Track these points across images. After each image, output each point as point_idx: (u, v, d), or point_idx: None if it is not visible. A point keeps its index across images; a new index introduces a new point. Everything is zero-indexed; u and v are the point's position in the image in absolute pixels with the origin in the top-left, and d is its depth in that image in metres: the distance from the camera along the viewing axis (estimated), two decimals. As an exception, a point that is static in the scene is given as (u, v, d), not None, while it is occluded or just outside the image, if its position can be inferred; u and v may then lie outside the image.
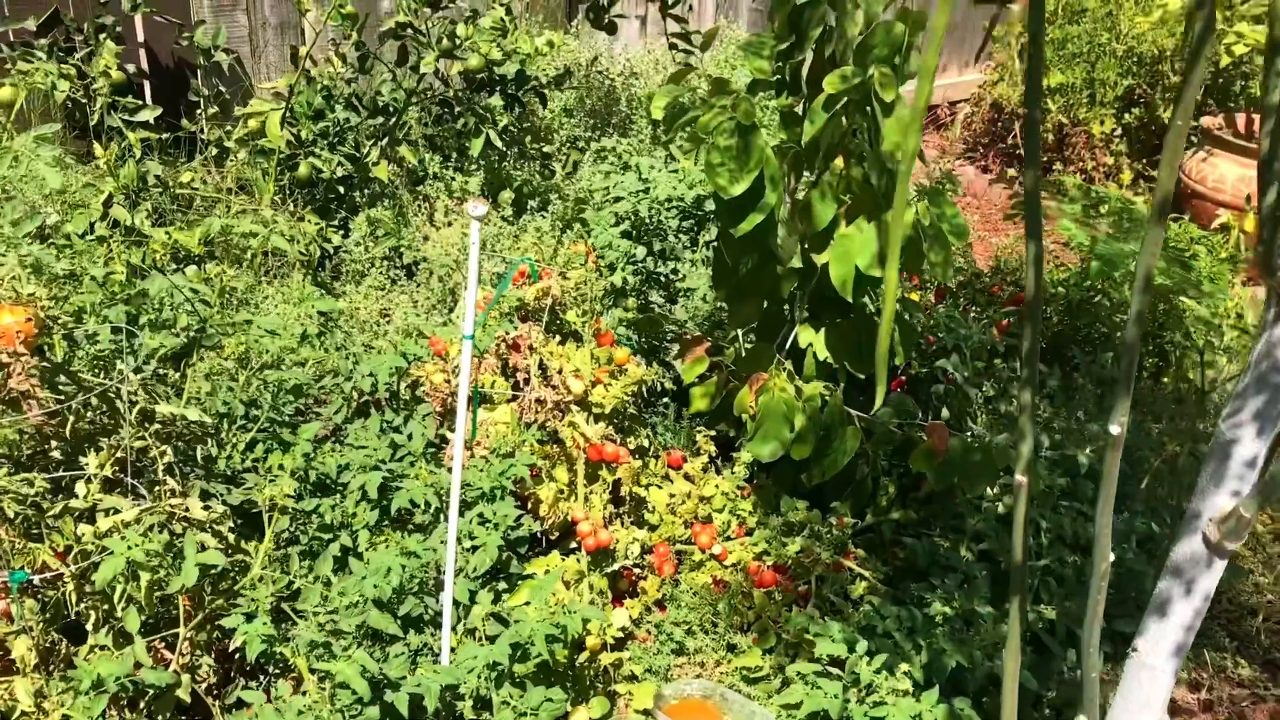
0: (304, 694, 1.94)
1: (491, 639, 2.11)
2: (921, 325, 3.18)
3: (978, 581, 2.34)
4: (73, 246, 2.83)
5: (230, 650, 2.08)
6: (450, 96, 4.11)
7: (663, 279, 3.30)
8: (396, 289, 3.61)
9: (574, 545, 2.53)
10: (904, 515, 2.63)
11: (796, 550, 2.47)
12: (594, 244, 3.04)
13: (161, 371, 2.49)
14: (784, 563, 2.50)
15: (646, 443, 2.75)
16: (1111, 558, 1.14)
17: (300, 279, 3.50)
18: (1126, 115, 5.43)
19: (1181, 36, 5.04)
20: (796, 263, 2.45)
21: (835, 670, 2.12)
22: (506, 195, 3.87)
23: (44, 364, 2.08)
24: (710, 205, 3.17)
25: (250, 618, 1.97)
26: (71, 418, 2.13)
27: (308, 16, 3.91)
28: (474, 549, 2.30)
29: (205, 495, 2.27)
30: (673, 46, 4.21)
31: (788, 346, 2.67)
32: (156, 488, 2.12)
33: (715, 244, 3.35)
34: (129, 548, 1.87)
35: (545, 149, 4.44)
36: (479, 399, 2.56)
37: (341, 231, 3.78)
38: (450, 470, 2.44)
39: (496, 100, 4.03)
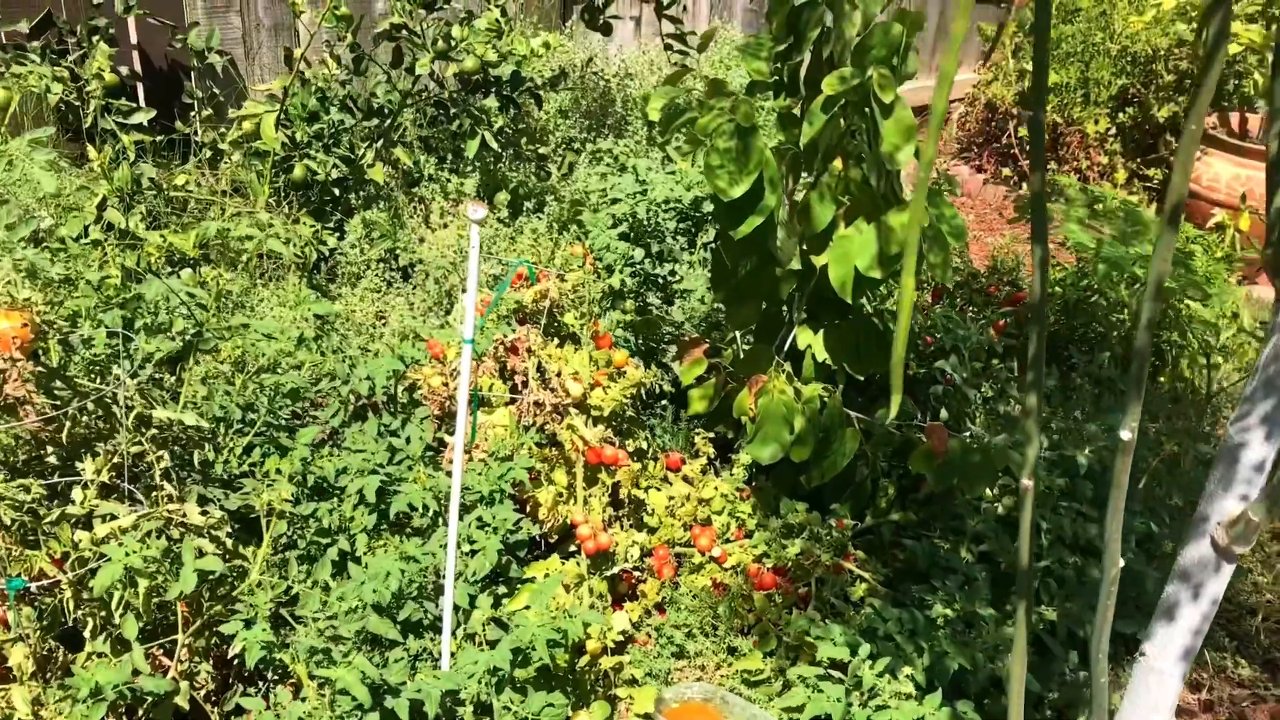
0: (303, 700, 1.93)
1: (492, 644, 2.10)
2: (919, 326, 3.17)
3: (978, 583, 2.33)
4: (67, 250, 2.82)
5: (229, 656, 2.07)
6: (445, 98, 4.10)
7: (660, 281, 3.30)
8: (392, 291, 3.59)
9: (573, 548, 2.52)
10: (903, 517, 2.63)
11: (796, 552, 2.47)
12: (591, 246, 3.03)
13: (158, 376, 2.48)
14: (784, 565, 2.50)
15: (645, 445, 2.74)
16: (1121, 563, 1.14)
17: (296, 281, 3.48)
18: (1120, 114, 5.43)
19: (1193, 34, 5.03)
20: (795, 264, 2.44)
21: (837, 673, 2.12)
22: (502, 197, 3.86)
23: (39, 369, 2.06)
24: (708, 207, 3.16)
25: (249, 624, 1.96)
26: (68, 423, 2.11)
27: (302, 18, 3.89)
28: (473, 553, 2.28)
29: (203, 500, 2.26)
30: (668, 47, 4.20)
31: (786, 348, 2.66)
32: (154, 493, 2.11)
33: (713, 246, 3.35)
34: (127, 554, 1.86)
35: (541, 150, 4.43)
36: (478, 402, 2.55)
37: (337, 234, 3.76)
38: (448, 473, 2.43)
39: (492, 102, 4.02)
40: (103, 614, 1.96)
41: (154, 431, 2.21)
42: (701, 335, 3.08)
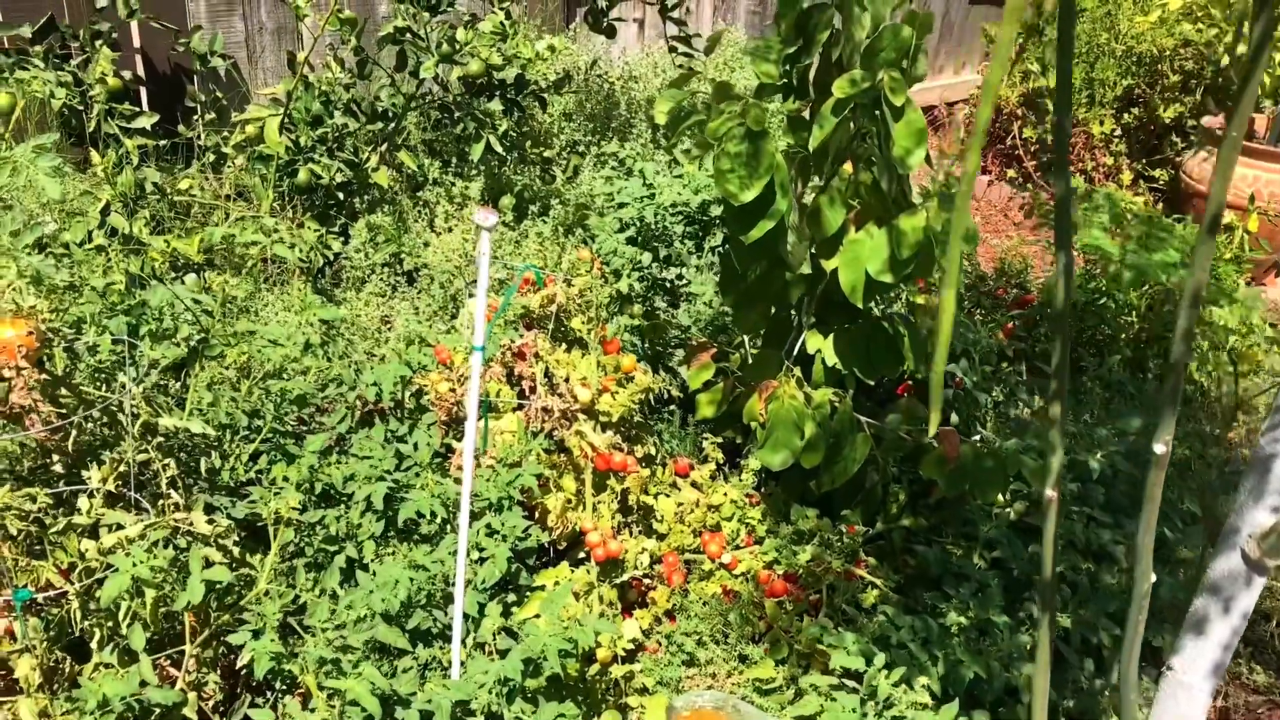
0: (312, 711, 1.91)
1: (502, 653, 2.08)
2: (926, 330, 3.15)
3: (991, 590, 2.31)
4: (71, 256, 2.80)
5: (237, 667, 2.05)
6: (450, 101, 4.08)
7: (668, 285, 3.28)
8: (398, 295, 3.58)
9: (582, 555, 2.51)
10: (914, 522, 2.61)
11: (807, 559, 2.45)
12: (599, 250, 3.01)
13: (163, 382, 2.46)
14: (795, 571, 2.48)
15: (653, 450, 2.72)
16: (1153, 578, 1.12)
17: (301, 286, 3.46)
18: (1126, 115, 5.42)
19: (1199, 34, 5.00)
20: (805, 268, 2.43)
21: (850, 682, 2.10)
22: (507, 200, 3.84)
23: (44, 377, 2.04)
24: (715, 210, 3.15)
25: (257, 634, 1.94)
26: (74, 431, 2.10)
27: (305, 21, 3.88)
28: (482, 560, 2.27)
29: (209, 508, 2.24)
30: (673, 50, 4.19)
31: (795, 352, 2.64)
32: (160, 501, 2.09)
33: (722, 250, 3.33)
34: (134, 565, 1.84)
35: (545, 154, 4.42)
36: (486, 408, 2.53)
37: (342, 238, 3.74)
38: (456, 480, 2.42)
39: (496, 105, 4.00)
40: (110, 624, 1.94)
41: (160, 439, 2.19)
42: (708, 338, 3.06)
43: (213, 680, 2.05)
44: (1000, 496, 2.63)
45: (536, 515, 2.48)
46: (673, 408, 2.96)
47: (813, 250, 2.46)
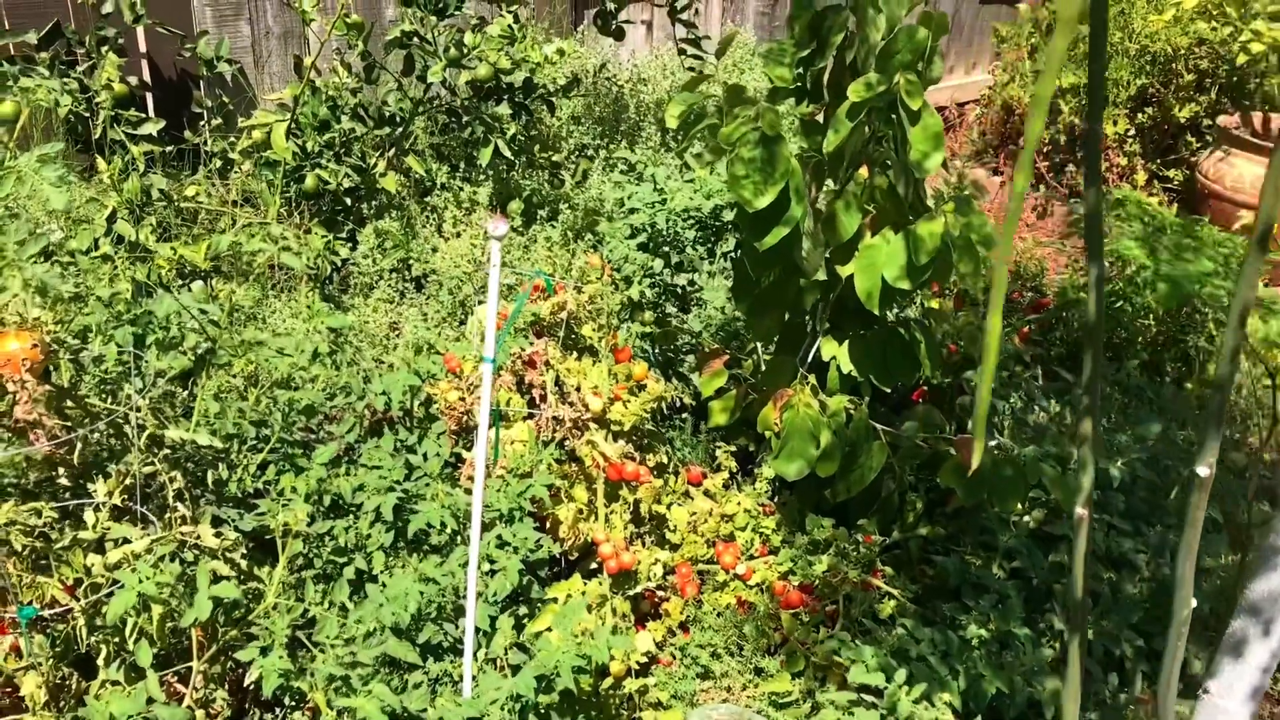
0: (322, 729, 1.88)
1: (514, 668, 2.05)
2: (941, 335, 3.11)
3: (1012, 601, 2.27)
4: (77, 264, 2.77)
5: (245, 683, 2.02)
6: (458, 105, 4.05)
7: (679, 291, 3.24)
8: (406, 302, 3.55)
9: (594, 565, 2.47)
10: (931, 531, 2.57)
11: (823, 569, 2.41)
12: (609, 257, 2.98)
13: (171, 390, 2.43)
14: (810, 582, 2.44)
15: (666, 459, 2.68)
16: (1194, 603, 1.08)
17: (308, 292, 3.44)
18: (1140, 115, 5.36)
19: (1213, 32, 4.94)
20: (820, 274, 2.39)
21: (869, 698, 2.06)
22: (516, 205, 3.81)
23: (50, 388, 2.02)
24: (728, 215, 3.11)
25: (265, 651, 1.91)
26: (79, 444, 2.07)
27: (312, 26, 3.85)
28: (493, 573, 2.23)
29: (217, 521, 2.21)
30: (682, 52, 4.15)
31: (809, 359, 2.60)
32: (167, 514, 2.06)
33: (735, 256, 3.29)
34: (140, 580, 1.81)
35: (554, 158, 4.38)
36: (497, 417, 2.50)
37: (349, 244, 3.72)
38: (466, 490, 2.38)
39: (504, 109, 3.97)
40: (116, 640, 1.91)
41: (166, 451, 2.16)
42: (720, 344, 3.02)
43: (220, 696, 2.02)
44: (1019, 504, 2.58)
45: (548, 526, 2.44)
46: (685, 415, 2.92)
47: (827, 256, 2.42)
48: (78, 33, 3.55)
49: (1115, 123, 5.31)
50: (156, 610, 1.83)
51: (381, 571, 2.25)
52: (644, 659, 2.30)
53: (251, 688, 2.05)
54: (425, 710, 1.92)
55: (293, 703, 2.06)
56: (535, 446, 2.47)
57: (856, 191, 2.31)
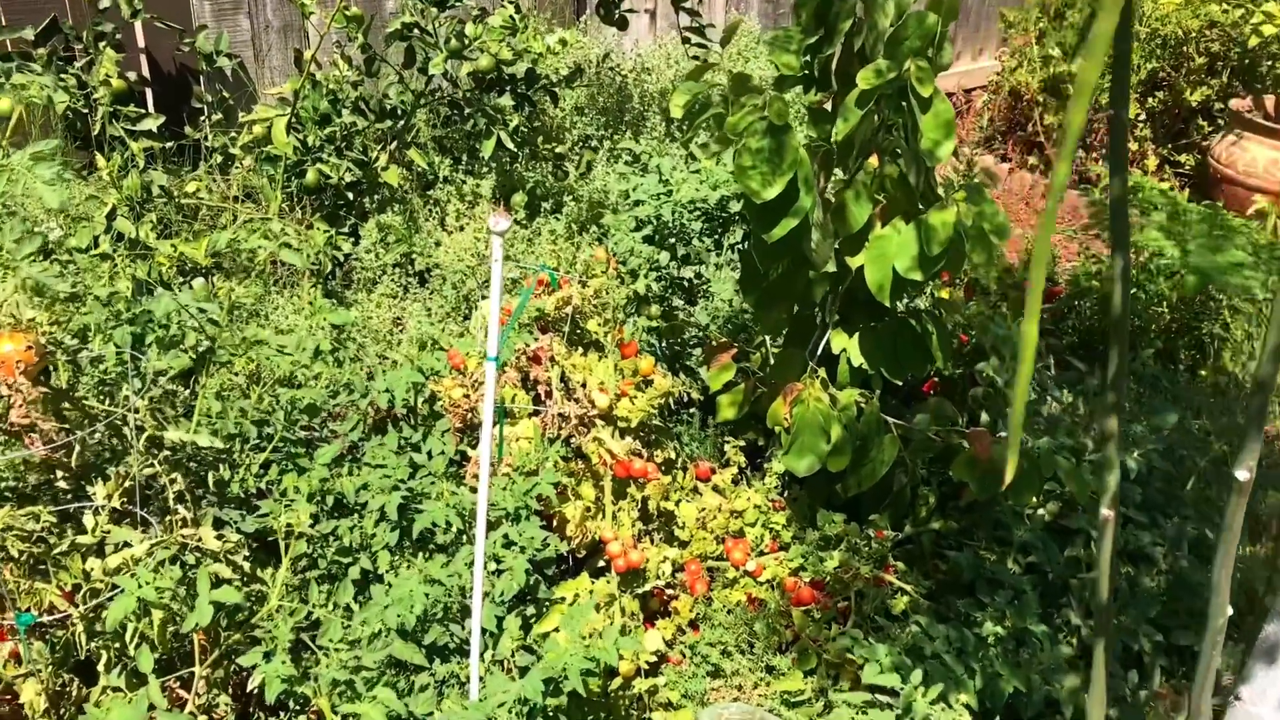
0: (327, 734, 1.84)
1: (522, 670, 2.01)
2: (953, 325, 3.06)
3: (1028, 597, 2.23)
4: (75, 263, 2.74)
5: (249, 688, 1.99)
6: (459, 98, 4.00)
7: (686, 284, 3.20)
8: (409, 297, 3.51)
9: (602, 564, 2.43)
10: (944, 525, 2.53)
11: (835, 565, 2.37)
12: (614, 249, 2.93)
13: (171, 389, 2.39)
14: (822, 578, 2.40)
15: (674, 455, 2.64)
16: (1230, 611, 1.04)
17: (310, 288, 3.40)
18: (1150, 99, 5.29)
19: (1225, 15, 4.88)
20: (830, 266, 2.34)
21: (884, 697, 2.02)
22: (519, 198, 3.77)
23: (47, 390, 1.98)
24: (734, 206, 3.06)
25: (269, 656, 1.87)
26: (77, 446, 2.04)
27: (311, 19, 3.80)
28: (499, 572, 2.20)
29: (219, 522, 2.18)
30: (685, 40, 4.10)
31: (819, 352, 2.56)
32: (168, 517, 2.03)
33: (742, 248, 3.24)
34: (140, 585, 1.78)
35: (557, 149, 4.34)
36: (501, 414, 2.46)
37: (351, 238, 3.68)
38: (471, 489, 2.34)
39: (507, 100, 3.93)
40: (117, 646, 1.88)
41: (166, 453, 2.13)
42: (727, 337, 2.98)
43: (224, 701, 1.99)
44: (1033, 498, 2.54)
45: (554, 524, 2.41)
46: (692, 410, 2.88)
47: (837, 247, 2.38)
48: (75, 28, 3.51)
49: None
50: (157, 615, 1.80)
51: (387, 571, 2.22)
52: (653, 658, 2.26)
53: (256, 692, 2.02)
54: (431, 714, 1.89)
55: (297, 707, 2.03)
56: (541, 444, 2.43)
57: (866, 181, 2.27)
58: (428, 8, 3.69)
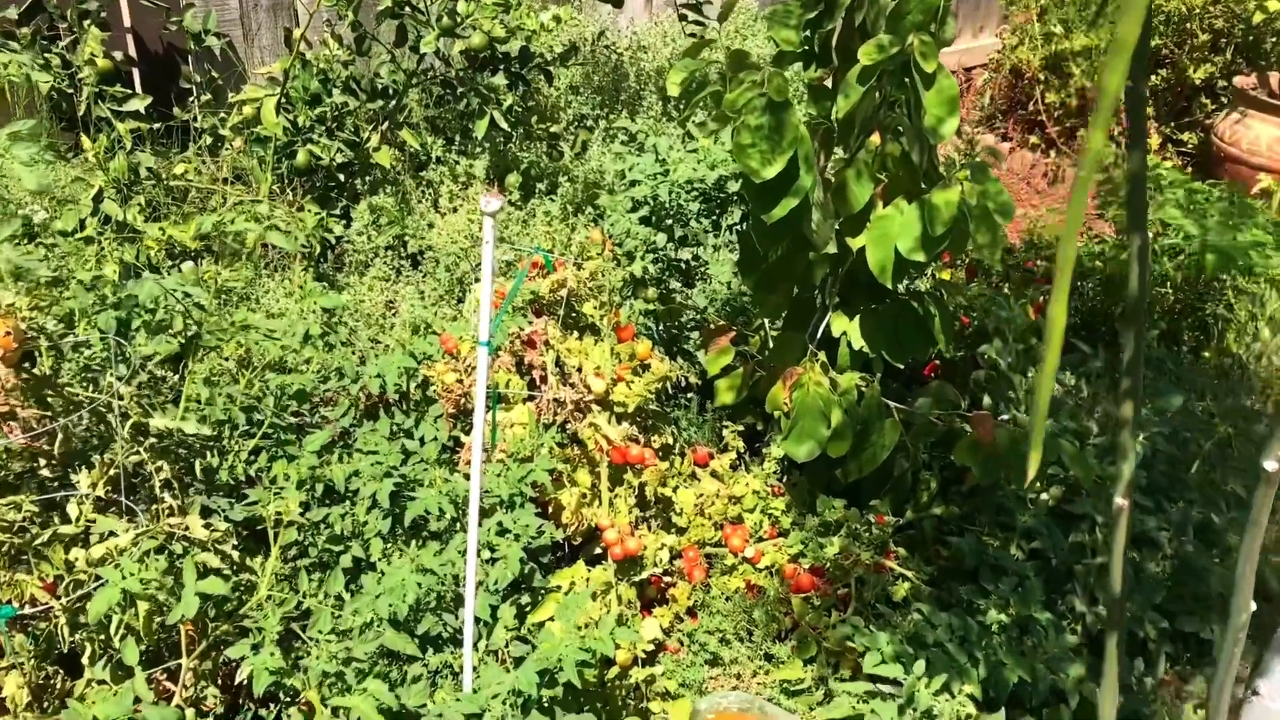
0: (317, 727, 1.81)
1: (517, 660, 1.98)
2: (955, 306, 3.02)
3: (1032, 584, 2.19)
4: (60, 246, 2.68)
5: (238, 680, 1.95)
6: (452, 77, 3.93)
7: (683, 266, 3.14)
8: (402, 279, 3.45)
9: (598, 551, 2.39)
10: (946, 511, 2.49)
11: (835, 551, 2.33)
12: (610, 231, 2.88)
13: (159, 374, 2.34)
14: (821, 564, 2.36)
15: (671, 440, 2.60)
16: (1253, 607, 1.00)
17: (301, 271, 3.34)
18: (1153, 76, 5.22)
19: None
20: (830, 247, 2.29)
21: (886, 687, 1.98)
22: (513, 178, 3.71)
23: (28, 377, 1.93)
24: (733, 186, 3.00)
25: (257, 648, 1.83)
26: (60, 434, 1.99)
27: (301, -4, 3.73)
28: (493, 561, 2.16)
29: (206, 511, 2.13)
30: (682, 18, 4.03)
31: (819, 335, 2.51)
32: (154, 506, 1.98)
33: (741, 229, 3.18)
34: (124, 576, 1.73)
35: (552, 129, 4.27)
36: (495, 400, 2.41)
37: (343, 221, 3.62)
38: (464, 475, 2.30)
39: (500, 79, 3.86)
40: (102, 638, 1.84)
41: (153, 440, 2.08)
42: (726, 320, 2.93)
43: (212, 693, 1.95)
44: (1037, 482, 2.50)
45: (550, 511, 2.37)
46: (690, 394, 2.83)
47: (838, 228, 2.32)
48: (60, 7, 3.44)
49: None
50: (143, 607, 1.75)
51: (379, 559, 2.18)
52: (650, 646, 2.22)
53: (245, 683, 1.98)
54: (424, 706, 1.85)
55: (287, 699, 1.99)
56: (536, 430, 2.39)
57: (868, 160, 2.21)
58: (419, -16, 3.62)
